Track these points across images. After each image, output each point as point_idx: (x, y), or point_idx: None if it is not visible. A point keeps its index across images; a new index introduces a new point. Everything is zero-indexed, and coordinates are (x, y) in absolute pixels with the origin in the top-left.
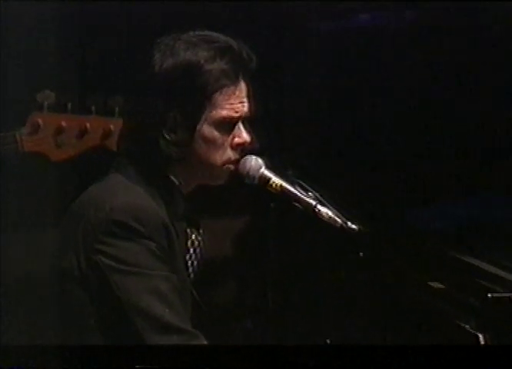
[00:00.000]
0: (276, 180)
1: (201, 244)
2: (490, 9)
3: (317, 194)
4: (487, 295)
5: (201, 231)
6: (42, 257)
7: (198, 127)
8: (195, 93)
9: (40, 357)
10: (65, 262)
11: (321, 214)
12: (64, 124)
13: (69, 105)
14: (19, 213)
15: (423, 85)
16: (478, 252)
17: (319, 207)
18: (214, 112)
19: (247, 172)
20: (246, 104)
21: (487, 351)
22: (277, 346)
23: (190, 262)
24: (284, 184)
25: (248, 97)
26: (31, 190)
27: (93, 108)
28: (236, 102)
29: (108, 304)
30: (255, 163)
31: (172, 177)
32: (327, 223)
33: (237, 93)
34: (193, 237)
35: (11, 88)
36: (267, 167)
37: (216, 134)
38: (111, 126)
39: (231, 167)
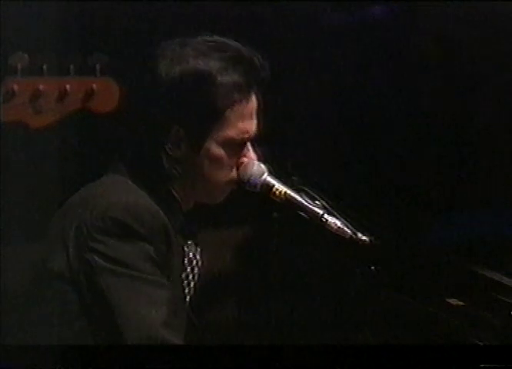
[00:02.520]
0: (280, 187)
1: (199, 263)
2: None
3: (325, 203)
4: (510, 313)
5: (198, 249)
6: (28, 256)
7: (205, 145)
8: (204, 107)
9: (40, 357)
10: (53, 261)
11: (329, 224)
12: (41, 87)
13: (45, 67)
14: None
15: (434, 91)
16: (500, 266)
17: (326, 216)
18: (225, 131)
19: (249, 179)
20: (255, 122)
21: (487, 351)
22: (277, 346)
23: (186, 282)
24: (289, 192)
25: (258, 113)
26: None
27: (71, 67)
28: (248, 120)
29: (96, 306)
30: (257, 168)
31: (172, 191)
32: (336, 234)
33: (249, 109)
34: (190, 255)
35: None
36: (271, 174)
37: (224, 153)
38: (94, 86)
39: (234, 187)
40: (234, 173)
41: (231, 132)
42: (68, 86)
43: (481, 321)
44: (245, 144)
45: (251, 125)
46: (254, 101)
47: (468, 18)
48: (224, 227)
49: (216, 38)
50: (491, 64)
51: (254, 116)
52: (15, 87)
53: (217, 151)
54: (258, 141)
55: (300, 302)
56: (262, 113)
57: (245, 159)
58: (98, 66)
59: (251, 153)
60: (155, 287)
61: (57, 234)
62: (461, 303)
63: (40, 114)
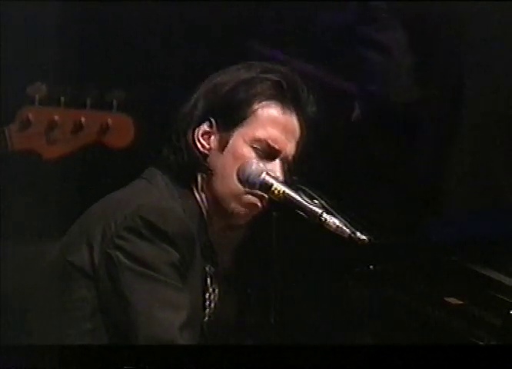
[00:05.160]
0: (279, 186)
1: (220, 286)
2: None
3: (323, 202)
4: (509, 312)
5: (219, 270)
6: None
7: (232, 140)
8: (239, 101)
9: (40, 357)
10: (74, 255)
11: (328, 224)
12: (57, 118)
13: (62, 99)
14: (18, 212)
15: (434, 91)
16: (499, 266)
17: (325, 215)
18: (254, 130)
19: (248, 178)
20: (291, 146)
21: (487, 351)
22: (277, 346)
23: (208, 302)
24: (288, 191)
25: (298, 142)
26: (24, 190)
27: (88, 101)
28: (280, 132)
29: (114, 304)
30: (256, 168)
31: (201, 205)
32: (334, 233)
33: (284, 121)
34: (212, 274)
35: None
36: (269, 173)
37: (248, 154)
38: (109, 121)
39: (254, 202)
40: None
41: (260, 133)
42: (83, 119)
43: (480, 321)
44: (274, 158)
45: (284, 141)
46: (293, 122)
47: (472, 18)
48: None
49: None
50: (491, 63)
51: (292, 138)
52: (31, 116)
53: (243, 149)
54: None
55: (299, 301)
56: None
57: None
58: (114, 102)
59: (277, 171)
60: (176, 291)
61: (82, 231)
62: (460, 302)
63: (54, 145)
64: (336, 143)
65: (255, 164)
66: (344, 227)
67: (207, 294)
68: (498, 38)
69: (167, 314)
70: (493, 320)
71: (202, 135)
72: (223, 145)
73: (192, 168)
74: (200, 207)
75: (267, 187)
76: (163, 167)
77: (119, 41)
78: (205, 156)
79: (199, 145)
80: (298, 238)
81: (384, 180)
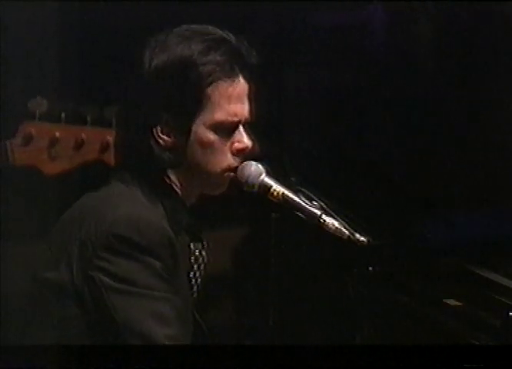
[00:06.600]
0: (278, 188)
1: (205, 260)
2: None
3: (322, 204)
4: (508, 313)
5: (204, 246)
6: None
7: (194, 129)
8: (188, 90)
9: (40, 357)
10: (55, 274)
11: (327, 225)
12: (58, 135)
13: (63, 115)
14: (10, 224)
15: (433, 91)
16: (498, 267)
17: (324, 217)
18: (213, 114)
19: (247, 179)
20: (247, 106)
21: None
22: (276, 347)
23: (194, 280)
24: (287, 193)
25: (249, 98)
26: (23, 203)
27: (88, 118)
28: (236, 103)
29: (101, 323)
30: (255, 169)
31: (174, 186)
32: (333, 234)
33: (237, 90)
34: (196, 252)
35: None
36: (268, 174)
37: (214, 138)
38: (109, 138)
39: (232, 174)
40: (228, 159)
41: (219, 115)
42: (84, 135)
43: (479, 322)
44: (237, 127)
45: (241, 109)
46: (242, 85)
47: (467, 18)
48: (222, 226)
49: (199, 25)
50: (490, 63)
51: (245, 100)
52: (33, 131)
53: (207, 135)
54: (256, 140)
55: (298, 302)
56: (261, 115)
57: (239, 144)
58: (114, 119)
59: (244, 138)
60: (163, 303)
61: (60, 245)
62: (459, 303)
63: (55, 161)
64: (335, 144)
65: (254, 166)
66: (343, 229)
67: (192, 273)
68: None
69: (156, 328)
70: (492, 321)
71: (162, 132)
72: (186, 136)
73: (161, 164)
74: (174, 189)
75: (266, 188)
76: (134, 168)
77: (120, 56)
78: (170, 149)
79: (161, 142)
80: (297, 240)
81: (383, 181)
